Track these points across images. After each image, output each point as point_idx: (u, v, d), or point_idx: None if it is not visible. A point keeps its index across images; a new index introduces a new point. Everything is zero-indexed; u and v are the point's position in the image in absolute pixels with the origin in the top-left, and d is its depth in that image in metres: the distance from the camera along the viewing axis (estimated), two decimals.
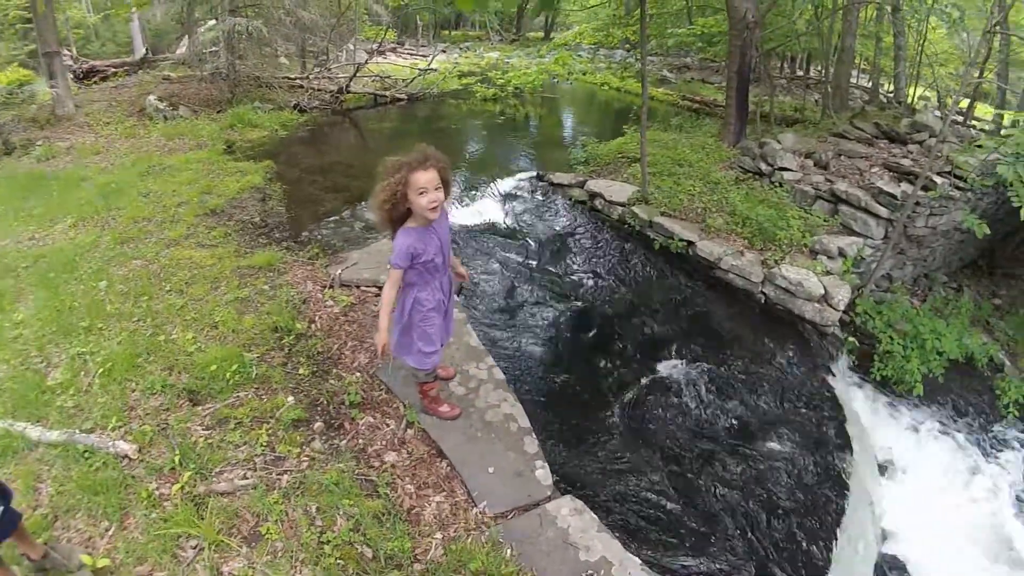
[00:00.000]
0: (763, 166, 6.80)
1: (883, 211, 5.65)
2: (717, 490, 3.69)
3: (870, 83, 12.64)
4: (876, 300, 5.75)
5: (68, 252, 5.01)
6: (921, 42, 10.59)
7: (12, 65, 9.47)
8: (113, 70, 14.34)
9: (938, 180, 5.65)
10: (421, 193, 2.64)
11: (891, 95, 10.92)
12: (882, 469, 4.64)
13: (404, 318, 2.97)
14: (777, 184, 6.49)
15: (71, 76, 12.14)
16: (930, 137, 6.59)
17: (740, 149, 7.54)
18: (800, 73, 17.21)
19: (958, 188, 5.80)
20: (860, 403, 5.08)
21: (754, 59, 8.62)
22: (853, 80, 13.51)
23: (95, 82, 13.67)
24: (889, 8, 9.64)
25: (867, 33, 11.18)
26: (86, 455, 2.89)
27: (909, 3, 8.97)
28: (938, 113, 8.21)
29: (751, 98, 8.91)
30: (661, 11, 13.24)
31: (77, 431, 3.04)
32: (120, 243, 5.20)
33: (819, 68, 13.39)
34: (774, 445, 4.15)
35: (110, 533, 2.55)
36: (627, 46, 16.20)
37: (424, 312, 2.94)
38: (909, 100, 10.64)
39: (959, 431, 5.11)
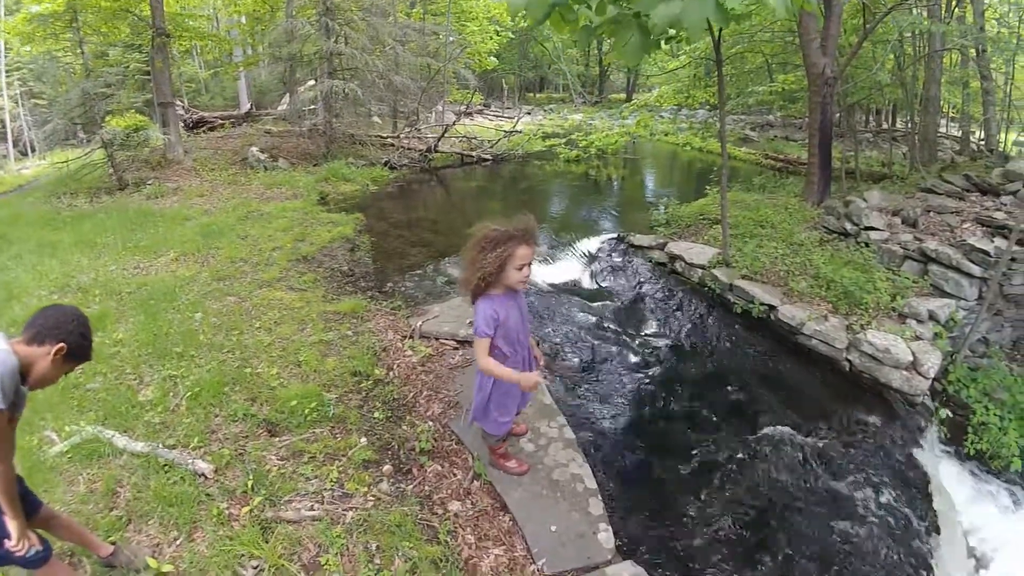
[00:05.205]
0: (848, 226, 6.57)
1: (976, 269, 5.34)
2: (789, 565, 3.45)
3: (960, 131, 12.09)
4: (970, 367, 5.37)
5: (168, 283, 5.44)
6: (1009, 84, 10.10)
7: (130, 111, 10.61)
8: (220, 121, 15.74)
9: None
10: (520, 267, 2.69)
11: (983, 143, 10.38)
12: (973, 555, 4.19)
13: (486, 390, 2.99)
14: (863, 244, 6.24)
15: (182, 125, 13.43)
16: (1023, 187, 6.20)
17: (824, 209, 7.33)
18: (886, 126, 16.68)
19: None
20: (951, 479, 4.65)
21: (836, 114, 8.45)
22: (942, 130, 13.00)
23: (203, 131, 15.04)
24: (973, 51, 9.28)
25: (953, 79, 10.80)
26: (166, 468, 3.08)
27: (993, 44, 8.61)
28: None
29: (835, 154, 8.70)
30: (741, 70, 13.28)
31: (160, 445, 3.24)
32: (217, 280, 5.60)
33: (905, 119, 12.97)
34: (854, 522, 3.86)
35: (178, 543, 2.68)
36: (707, 107, 16.33)
37: (506, 387, 2.96)
38: (1002, 147, 10.08)
39: None
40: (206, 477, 3.05)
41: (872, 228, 6.35)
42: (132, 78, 11.83)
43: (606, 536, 3.06)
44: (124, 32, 12.35)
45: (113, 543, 2.55)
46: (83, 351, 2.03)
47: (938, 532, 3.95)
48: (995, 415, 4.91)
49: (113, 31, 12.24)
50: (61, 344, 1.94)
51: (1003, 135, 10.50)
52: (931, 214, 6.42)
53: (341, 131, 12.54)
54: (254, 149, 11.65)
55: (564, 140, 14.66)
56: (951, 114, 15.07)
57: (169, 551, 2.64)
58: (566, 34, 2.90)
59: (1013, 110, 10.79)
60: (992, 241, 5.42)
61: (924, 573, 3.62)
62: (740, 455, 4.26)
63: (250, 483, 3.01)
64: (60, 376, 2.02)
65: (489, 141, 14.86)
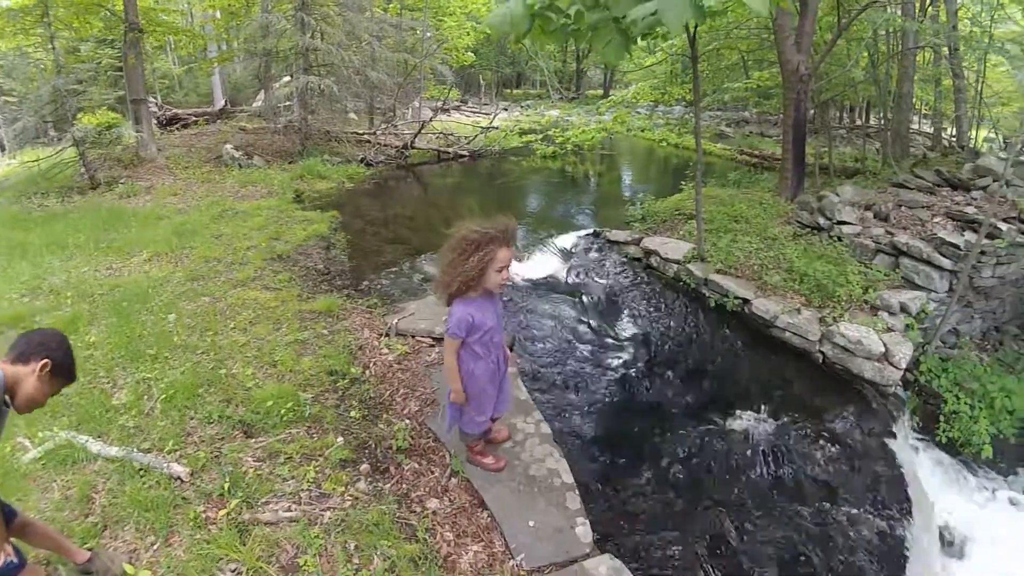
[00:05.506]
0: (821, 220, 6.67)
1: (946, 262, 5.45)
2: (766, 556, 3.51)
3: (932, 128, 12.34)
4: (941, 357, 5.48)
5: (142, 284, 5.36)
6: (980, 82, 10.33)
7: (102, 108, 10.44)
8: (194, 118, 15.49)
9: (1004, 227, 5.44)
10: (500, 270, 2.69)
11: (954, 139, 10.62)
12: (945, 540, 4.31)
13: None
14: (836, 238, 6.35)
15: (155, 122, 13.21)
16: (994, 182, 6.34)
17: (798, 203, 7.43)
18: (859, 122, 16.94)
19: None
20: (923, 467, 4.78)
21: (810, 111, 8.56)
22: (915, 126, 13.24)
23: (177, 129, 14.80)
24: (946, 50, 9.46)
25: (926, 77, 11.00)
26: (141, 473, 3.05)
27: (966, 43, 8.79)
28: (1003, 155, 7.88)
29: (809, 150, 8.82)
30: (717, 67, 13.38)
31: (135, 449, 3.21)
32: (191, 280, 5.53)
33: (879, 116, 13.23)
34: (828, 510, 3.94)
35: (155, 548, 2.66)
36: (684, 103, 16.50)
37: (480, 386, 2.98)
38: (973, 143, 10.31)
39: None
40: (182, 480, 3.02)
41: (845, 222, 6.46)
42: (104, 74, 11.61)
43: (584, 530, 3.08)
44: (96, 27, 12.08)
45: (90, 549, 2.52)
46: (68, 369, 2.07)
47: (912, 518, 4.02)
48: (966, 404, 5.03)
49: (85, 26, 11.95)
50: (46, 360, 1.97)
51: (974, 132, 10.72)
52: (903, 208, 6.54)
53: (317, 128, 12.44)
54: (228, 146, 11.51)
55: (541, 136, 14.68)
56: (923, 111, 15.32)
57: (146, 556, 2.61)
58: (547, 43, 2.89)
59: (984, 108, 11.01)
60: (962, 235, 5.53)
61: (899, 558, 3.70)
62: (716, 447, 4.32)
63: (226, 485, 2.98)
64: (48, 396, 2.04)
65: (466, 137, 14.83)
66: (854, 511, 3.97)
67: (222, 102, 18.19)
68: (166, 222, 7.32)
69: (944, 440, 4.94)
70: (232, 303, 5.08)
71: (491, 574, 2.84)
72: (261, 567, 2.57)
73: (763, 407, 4.81)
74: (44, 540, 2.38)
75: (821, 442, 4.52)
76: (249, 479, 3.07)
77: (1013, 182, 6.25)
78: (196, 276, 5.62)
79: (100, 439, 3.28)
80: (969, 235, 5.50)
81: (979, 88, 10.59)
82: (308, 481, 3.11)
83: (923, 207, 6.42)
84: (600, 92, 33.36)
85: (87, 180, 9.56)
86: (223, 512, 2.83)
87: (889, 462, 4.48)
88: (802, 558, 3.56)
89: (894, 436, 4.78)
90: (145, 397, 3.71)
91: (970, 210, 5.92)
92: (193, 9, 20.55)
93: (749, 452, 4.31)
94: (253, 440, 3.40)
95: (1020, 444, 4.97)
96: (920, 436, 5.06)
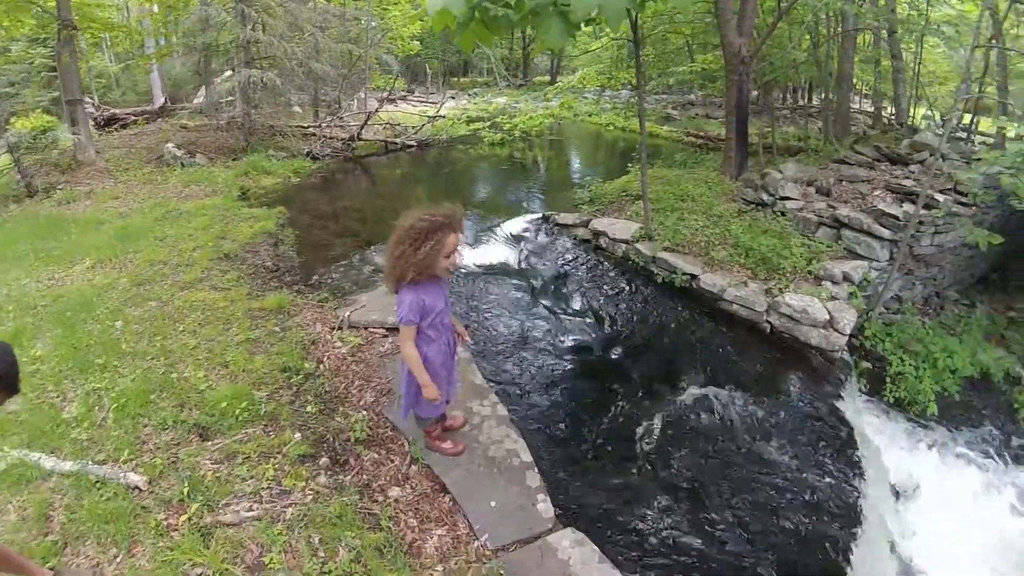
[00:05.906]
0: (765, 197, 6.86)
1: (886, 233, 5.65)
2: (723, 519, 3.63)
3: (872, 107, 12.76)
4: (885, 322, 5.69)
5: (86, 292, 5.19)
6: (918, 63, 10.75)
7: (36, 111, 9.97)
8: (133, 118, 14.92)
9: (940, 198, 5.65)
10: (449, 255, 2.74)
11: (894, 118, 11.03)
12: (897, 493, 4.52)
13: (415, 380, 3.02)
14: (779, 214, 6.53)
15: (92, 123, 12.68)
16: (930, 156, 6.58)
17: (742, 181, 7.62)
18: (802, 102, 17.40)
19: (962, 204, 5.79)
20: (872, 427, 4.96)
21: (753, 92, 8.76)
22: (855, 106, 13.63)
23: (115, 129, 14.23)
24: (885, 32, 9.80)
25: (866, 58, 11.37)
26: (98, 485, 2.99)
27: (904, 25, 9.12)
28: (939, 131, 8.24)
29: (754, 130, 9.03)
30: (662, 51, 13.56)
31: (90, 462, 3.14)
32: (136, 285, 5.38)
33: (820, 96, 13.65)
34: (783, 473, 4.09)
35: (118, 560, 2.62)
36: (630, 87, 16.75)
37: (434, 370, 3.01)
38: (911, 121, 10.73)
39: (978, 448, 4.95)
40: (140, 489, 2.98)
41: (788, 198, 6.64)
42: (37, 75, 11.12)
43: (545, 506, 3.17)
44: (28, 25, 11.50)
45: (52, 568, 2.48)
46: (13, 381, 2.03)
47: (863, 475, 4.20)
48: (910, 365, 5.22)
49: (16, 24, 11.36)
50: None
51: (912, 110, 11.10)
52: (844, 183, 6.75)
53: (260, 123, 12.13)
54: (170, 145, 11.13)
55: (489, 123, 14.62)
56: (864, 91, 15.77)
57: (110, 570, 2.58)
58: (491, 37, 2.88)
59: (921, 87, 11.42)
60: (901, 206, 5.73)
61: (855, 512, 3.87)
62: (670, 419, 4.43)
63: (186, 490, 2.96)
64: None
65: (413, 127, 14.69)
66: (809, 472, 4.12)
67: (162, 100, 17.59)
68: (108, 227, 7.07)
69: (891, 400, 5.12)
70: (180, 306, 4.97)
71: (456, 556, 2.89)
72: (227, 568, 2.58)
73: (715, 378, 4.94)
74: (4, 564, 2.33)
75: (773, 407, 4.66)
76: (208, 482, 3.05)
77: (949, 156, 6.53)
78: (141, 281, 5.46)
79: (53, 455, 3.20)
80: (907, 206, 5.69)
81: (917, 68, 10.94)
82: (268, 479, 3.10)
83: (863, 181, 6.64)
84: (548, 78, 33.32)
85: (23, 188, 9.12)
86: (184, 517, 2.82)
87: (839, 422, 4.65)
88: (762, 519, 3.69)
89: (842, 398, 4.97)
90: (96, 408, 3.62)
91: (908, 183, 6.12)
92: (129, 3, 19.70)
93: (704, 423, 4.44)
94: (209, 443, 3.37)
95: (963, 400, 5.20)
96: (868, 397, 5.23)
